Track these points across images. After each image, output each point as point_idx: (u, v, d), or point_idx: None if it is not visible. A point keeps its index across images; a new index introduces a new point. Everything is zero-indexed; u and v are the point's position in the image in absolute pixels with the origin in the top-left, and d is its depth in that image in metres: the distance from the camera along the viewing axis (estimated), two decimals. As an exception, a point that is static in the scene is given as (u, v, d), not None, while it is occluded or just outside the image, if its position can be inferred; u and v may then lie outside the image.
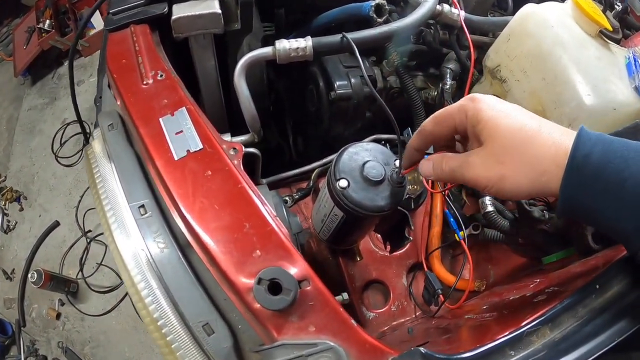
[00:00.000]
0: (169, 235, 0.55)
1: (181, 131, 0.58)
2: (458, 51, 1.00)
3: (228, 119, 1.01)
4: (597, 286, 0.58)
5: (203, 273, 0.52)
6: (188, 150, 0.56)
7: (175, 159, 0.56)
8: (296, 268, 0.47)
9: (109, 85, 0.75)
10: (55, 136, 2.59)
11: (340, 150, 0.69)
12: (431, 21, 1.00)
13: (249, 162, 0.91)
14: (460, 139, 0.61)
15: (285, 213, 0.63)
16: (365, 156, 0.68)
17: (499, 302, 0.75)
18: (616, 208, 0.48)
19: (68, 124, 2.61)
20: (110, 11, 0.81)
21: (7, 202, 2.43)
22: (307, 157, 1.04)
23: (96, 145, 0.68)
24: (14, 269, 2.21)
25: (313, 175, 0.97)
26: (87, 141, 1.13)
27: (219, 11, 0.74)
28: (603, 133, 0.50)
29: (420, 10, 0.82)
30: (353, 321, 0.46)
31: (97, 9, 0.94)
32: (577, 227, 0.76)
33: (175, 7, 0.77)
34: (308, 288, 0.46)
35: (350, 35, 0.73)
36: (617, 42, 1.06)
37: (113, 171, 0.62)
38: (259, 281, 0.42)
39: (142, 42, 0.73)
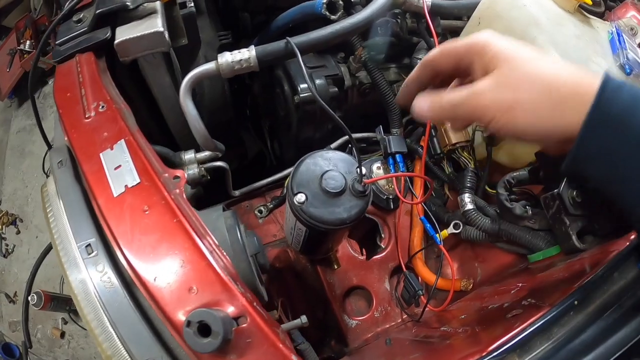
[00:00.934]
0: (114, 273, 0.57)
1: (120, 165, 0.60)
2: (428, 40, 0.99)
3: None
4: (576, 302, 0.58)
5: (148, 309, 0.55)
6: (126, 186, 0.58)
7: (115, 195, 0.58)
8: (232, 305, 0.49)
9: (59, 119, 0.77)
10: (45, 156, 2.66)
11: (298, 162, 0.70)
12: (398, 10, 0.99)
13: (220, 175, 0.94)
14: (459, 82, 0.58)
15: (239, 235, 0.65)
16: (325, 166, 0.69)
17: (479, 309, 0.75)
18: None
19: (49, 144, 2.68)
20: (57, 42, 0.83)
21: (3, 227, 2.52)
22: (284, 163, 1.05)
23: (49, 183, 0.71)
24: (16, 292, 2.30)
25: (286, 183, 0.99)
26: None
27: (162, 29, 0.76)
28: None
29: (373, 5, 0.81)
30: (294, 356, 0.48)
31: (52, 30, 0.96)
32: (561, 224, 0.76)
33: (118, 31, 0.78)
34: (244, 325, 0.48)
35: (295, 40, 0.74)
36: (600, 15, 1.03)
37: (62, 210, 0.65)
38: (188, 324, 0.44)
39: (86, 73, 0.75)
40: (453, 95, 0.52)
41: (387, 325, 0.92)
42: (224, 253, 0.57)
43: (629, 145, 0.45)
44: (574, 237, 0.74)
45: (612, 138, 0.45)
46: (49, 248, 2.33)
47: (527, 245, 0.83)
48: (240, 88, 1.24)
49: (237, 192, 0.99)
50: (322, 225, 0.66)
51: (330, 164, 0.69)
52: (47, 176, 2.57)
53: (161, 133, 0.98)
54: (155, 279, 0.51)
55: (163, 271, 0.51)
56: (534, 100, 0.48)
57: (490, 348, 0.53)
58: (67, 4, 0.88)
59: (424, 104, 0.55)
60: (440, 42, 1.00)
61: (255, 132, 1.30)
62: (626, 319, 0.56)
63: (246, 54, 0.73)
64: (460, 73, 0.55)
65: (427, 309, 0.87)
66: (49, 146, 1.09)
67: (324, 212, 0.66)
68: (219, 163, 0.90)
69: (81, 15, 0.84)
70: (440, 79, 0.58)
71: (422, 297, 0.89)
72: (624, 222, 0.66)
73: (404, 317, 0.94)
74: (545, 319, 0.54)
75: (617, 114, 0.45)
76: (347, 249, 0.94)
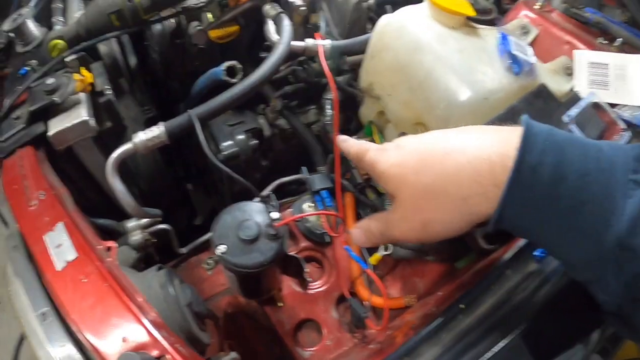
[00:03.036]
0: (66, 335, 0.75)
1: (61, 244, 0.79)
2: (332, 80, 1.19)
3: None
4: (462, 306, 0.73)
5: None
6: (67, 261, 0.77)
7: (58, 269, 0.77)
8: (155, 349, 0.66)
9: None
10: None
11: (216, 217, 0.89)
12: (303, 58, 1.21)
13: (165, 236, 1.13)
14: None
15: (173, 289, 0.83)
16: (240, 217, 0.88)
17: (400, 324, 0.93)
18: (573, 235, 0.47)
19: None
20: (1, 140, 1.03)
21: (-20, 311, 2.68)
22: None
23: (8, 265, 0.90)
24: (-1, 375, 2.44)
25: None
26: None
27: (87, 117, 0.95)
28: (551, 129, 0.49)
29: (266, 64, 1.01)
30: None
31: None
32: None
33: (50, 124, 0.98)
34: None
35: (196, 111, 0.93)
36: (491, 22, 1.21)
37: (20, 286, 0.84)
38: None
39: (27, 165, 0.94)
40: (378, 227, 0.63)
41: (340, 351, 1.09)
42: (151, 306, 0.75)
43: (548, 227, 0.48)
44: (480, 240, 0.85)
45: (528, 222, 0.49)
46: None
47: (450, 254, 0.99)
48: (185, 151, 1.45)
49: (184, 249, 1.18)
50: (244, 270, 0.84)
51: (245, 214, 0.87)
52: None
53: (107, 205, 1.17)
54: (96, 335, 0.70)
55: (101, 327, 0.70)
56: (441, 214, 0.54)
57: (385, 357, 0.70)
58: (5, 101, 1.09)
59: (360, 239, 0.68)
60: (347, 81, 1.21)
61: (204, 188, 1.50)
62: (513, 312, 0.72)
63: (156, 131, 0.93)
64: None
65: (373, 329, 1.05)
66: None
67: (244, 259, 0.83)
68: (161, 226, 1.09)
69: (19, 113, 1.04)
70: None
71: (368, 319, 1.06)
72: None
73: (355, 341, 1.11)
74: (432, 326, 0.71)
75: (534, 200, 0.47)
76: (291, 286, 1.12)
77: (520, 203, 0.48)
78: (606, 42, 1.04)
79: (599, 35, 1.06)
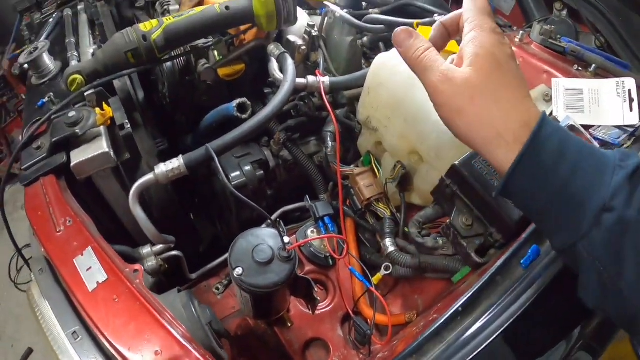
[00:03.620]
0: (98, 351, 0.80)
1: (90, 267, 0.84)
2: (334, 114, 1.28)
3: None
4: (460, 309, 0.81)
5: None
6: (98, 282, 0.82)
7: (90, 290, 0.82)
8: (188, 358, 0.72)
9: (34, 234, 1.02)
10: (10, 263, 2.84)
11: (232, 242, 0.95)
12: (304, 93, 1.29)
13: (176, 263, 1.18)
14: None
15: (193, 309, 0.88)
16: (254, 242, 0.94)
17: (404, 335, 0.99)
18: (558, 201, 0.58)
19: (20, 250, 2.87)
20: (22, 167, 1.08)
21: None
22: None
23: (33, 287, 0.95)
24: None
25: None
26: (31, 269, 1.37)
27: (107, 150, 1.02)
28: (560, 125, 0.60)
29: (274, 101, 1.10)
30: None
31: (16, 157, 1.20)
32: (461, 247, 1.00)
33: (72, 154, 1.04)
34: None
35: (213, 145, 1.00)
36: None
37: (48, 307, 0.88)
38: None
39: (51, 194, 1.00)
40: (429, 61, 0.64)
41: (347, 367, 1.15)
42: (180, 323, 0.80)
43: (547, 189, 0.58)
44: (473, 255, 0.95)
45: (533, 184, 0.59)
46: (25, 356, 2.46)
47: (447, 270, 1.05)
48: (188, 180, 1.51)
49: (194, 275, 1.23)
50: (260, 290, 0.89)
51: (259, 239, 0.93)
52: (15, 282, 2.77)
53: (120, 232, 1.22)
54: (129, 349, 0.74)
55: (134, 342, 0.75)
56: (478, 120, 0.60)
57: (395, 352, 0.77)
58: (25, 132, 1.14)
59: (404, 38, 0.66)
60: (345, 114, 1.30)
61: (206, 217, 1.56)
62: (502, 312, 0.79)
63: (176, 163, 0.99)
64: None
65: (377, 345, 1.11)
66: (19, 250, 1.31)
67: (259, 279, 0.89)
68: (173, 253, 1.14)
69: (40, 143, 1.10)
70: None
71: (372, 335, 1.12)
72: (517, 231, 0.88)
73: (360, 357, 1.16)
74: (434, 327, 0.78)
75: (543, 163, 0.57)
76: (298, 307, 1.18)
77: (529, 164, 0.58)
78: (581, 69, 1.14)
79: (574, 62, 1.17)
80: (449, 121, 0.63)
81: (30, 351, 2.52)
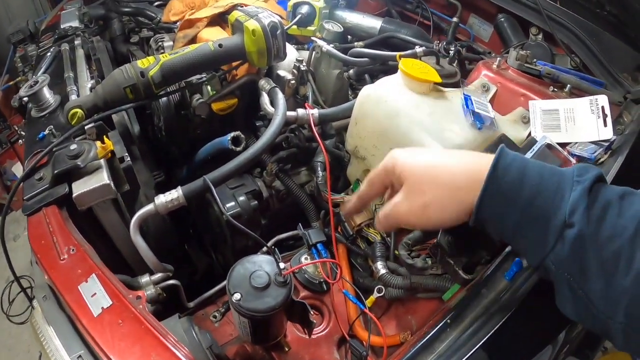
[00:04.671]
0: (102, 377, 0.82)
1: (95, 293, 0.87)
2: (323, 145, 1.33)
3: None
4: (448, 321, 0.86)
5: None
6: (102, 307, 0.85)
7: (95, 316, 0.85)
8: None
9: (36, 262, 1.04)
10: (2, 295, 2.81)
11: (230, 269, 0.98)
12: (294, 126, 1.35)
13: (174, 292, 1.20)
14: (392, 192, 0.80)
15: (194, 334, 0.91)
16: (251, 268, 0.97)
17: (400, 351, 1.02)
18: (526, 221, 0.65)
19: (12, 282, 2.85)
20: (24, 197, 1.11)
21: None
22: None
23: (37, 314, 0.97)
24: None
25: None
26: (28, 298, 1.38)
27: (108, 181, 1.06)
28: (519, 154, 0.68)
29: (265, 135, 1.15)
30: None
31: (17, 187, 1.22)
32: (449, 265, 1.04)
33: (74, 186, 1.07)
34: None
35: (210, 176, 1.05)
36: (457, 84, 1.38)
37: (53, 333, 0.90)
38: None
39: (54, 223, 1.03)
40: (384, 211, 0.77)
41: (345, 389, 1.17)
42: (183, 345, 0.83)
43: (514, 213, 0.65)
44: (460, 272, 0.96)
45: (500, 211, 0.66)
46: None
47: (437, 289, 1.09)
48: (181, 211, 1.54)
49: (191, 304, 1.25)
50: (258, 314, 0.92)
51: (255, 266, 0.97)
52: (7, 314, 2.76)
53: (118, 262, 1.24)
54: (135, 371, 0.77)
55: (140, 364, 0.77)
56: (438, 198, 0.69)
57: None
58: (27, 163, 1.18)
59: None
60: (328, 145, 1.35)
61: (201, 248, 1.59)
62: (487, 321, 0.84)
63: (175, 194, 1.04)
64: (390, 187, 0.80)
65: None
66: (17, 279, 1.31)
67: (257, 304, 0.91)
68: (171, 282, 1.17)
69: (42, 174, 1.13)
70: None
71: (369, 356, 1.15)
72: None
73: (358, 378, 1.18)
74: (425, 339, 0.82)
75: (505, 190, 0.65)
76: (295, 332, 1.20)
77: (494, 193, 0.65)
78: (557, 89, 1.21)
79: (550, 84, 1.24)
80: (425, 223, 0.74)
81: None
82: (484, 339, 0.80)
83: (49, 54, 1.73)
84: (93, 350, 0.83)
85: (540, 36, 1.62)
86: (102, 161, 1.11)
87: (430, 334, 0.83)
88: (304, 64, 1.43)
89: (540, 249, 0.65)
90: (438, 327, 0.84)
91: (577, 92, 1.20)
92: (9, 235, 3.05)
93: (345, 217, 0.88)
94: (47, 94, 1.38)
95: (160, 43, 1.58)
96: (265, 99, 1.32)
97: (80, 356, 0.84)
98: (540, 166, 0.66)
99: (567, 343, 0.90)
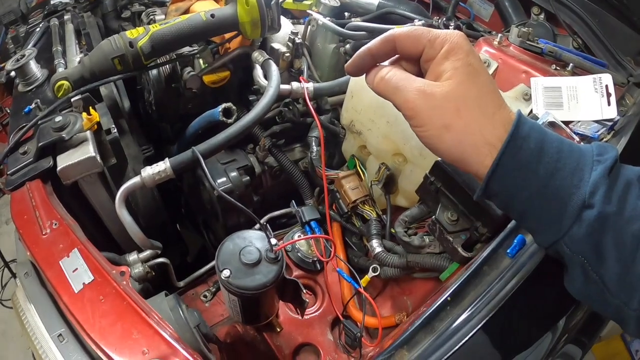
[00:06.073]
0: (84, 353, 0.78)
1: (77, 269, 0.83)
2: (318, 119, 1.28)
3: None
4: (449, 298, 0.81)
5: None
6: (84, 283, 0.81)
7: (76, 292, 0.80)
8: (176, 357, 0.71)
9: (19, 239, 1.00)
10: None
11: (219, 245, 0.94)
12: (288, 100, 1.30)
13: (163, 271, 1.16)
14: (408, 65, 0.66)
15: (181, 312, 0.87)
16: (241, 244, 0.92)
17: (395, 333, 0.98)
18: (540, 198, 0.58)
19: (3, 267, 2.83)
20: (8, 172, 1.06)
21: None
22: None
23: (19, 291, 0.93)
24: None
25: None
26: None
27: (94, 154, 1.01)
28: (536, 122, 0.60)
29: (258, 106, 1.10)
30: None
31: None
32: (448, 243, 1.00)
33: (58, 159, 1.02)
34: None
35: (199, 148, 1.00)
36: None
37: (33, 310, 0.86)
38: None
39: (37, 197, 0.98)
40: (402, 82, 0.62)
41: (339, 371, 1.13)
42: (168, 324, 0.79)
43: (528, 188, 0.58)
44: (460, 250, 0.95)
45: (513, 185, 0.59)
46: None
47: (435, 268, 1.04)
48: (173, 191, 1.50)
49: (181, 283, 1.21)
50: (248, 292, 0.88)
51: (246, 241, 0.92)
52: None
53: (106, 240, 1.20)
54: (115, 349, 0.73)
55: (121, 342, 0.73)
56: (467, 132, 0.58)
57: (385, 347, 0.76)
58: (11, 137, 1.13)
59: (372, 75, 0.66)
60: (323, 120, 1.30)
61: (193, 227, 1.55)
62: (490, 300, 0.80)
63: (162, 166, 0.99)
64: (416, 58, 0.64)
65: (368, 347, 1.09)
66: (6, 263, 1.28)
67: (247, 281, 0.87)
68: (160, 259, 1.12)
69: (26, 148, 1.08)
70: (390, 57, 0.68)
71: (363, 337, 1.11)
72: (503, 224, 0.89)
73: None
74: (424, 317, 0.78)
75: (523, 162, 0.57)
76: (287, 312, 1.17)
77: (509, 164, 0.58)
78: (559, 68, 1.16)
79: (552, 62, 1.19)
80: (435, 139, 0.61)
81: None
82: (486, 319, 0.76)
83: (37, 29, 1.67)
84: (73, 327, 0.79)
85: (542, 16, 1.57)
86: (88, 133, 1.06)
87: (429, 312, 0.79)
88: (299, 37, 1.38)
89: (554, 230, 0.60)
90: (437, 304, 0.79)
91: (580, 72, 1.15)
92: (1, 218, 3.03)
93: (347, 70, 0.72)
94: (34, 68, 1.33)
95: (152, 17, 1.52)
96: (258, 71, 1.27)
97: (60, 334, 0.80)
98: (559, 140, 0.59)
99: (566, 332, 0.86)
